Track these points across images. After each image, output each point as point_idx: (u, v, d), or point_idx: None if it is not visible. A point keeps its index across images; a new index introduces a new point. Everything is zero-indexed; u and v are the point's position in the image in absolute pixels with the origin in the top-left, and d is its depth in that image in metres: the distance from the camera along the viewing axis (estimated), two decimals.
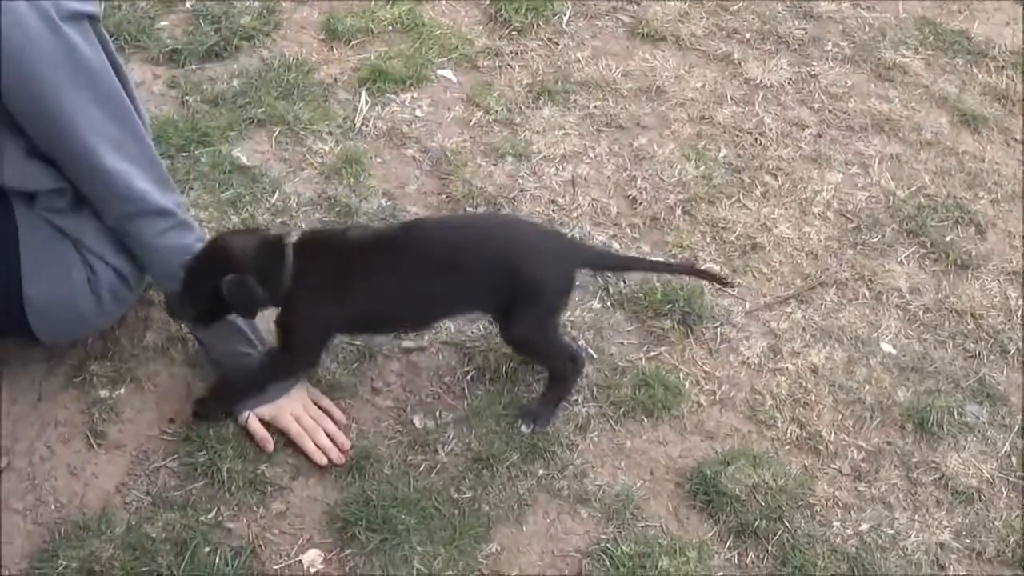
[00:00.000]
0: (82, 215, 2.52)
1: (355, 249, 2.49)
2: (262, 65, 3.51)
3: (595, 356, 2.79)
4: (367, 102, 3.41)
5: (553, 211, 3.13)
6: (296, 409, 2.58)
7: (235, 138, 3.26)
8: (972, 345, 2.98)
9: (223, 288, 2.36)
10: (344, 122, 3.35)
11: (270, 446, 2.54)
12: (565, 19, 3.80)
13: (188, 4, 3.71)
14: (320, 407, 2.61)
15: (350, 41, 3.64)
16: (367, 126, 3.34)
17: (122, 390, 2.67)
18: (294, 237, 2.45)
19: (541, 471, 2.57)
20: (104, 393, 2.67)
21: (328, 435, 2.55)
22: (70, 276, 2.54)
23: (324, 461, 2.53)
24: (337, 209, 3.06)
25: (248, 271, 2.38)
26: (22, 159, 2.40)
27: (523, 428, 2.63)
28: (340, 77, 3.51)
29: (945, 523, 2.62)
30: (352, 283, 2.45)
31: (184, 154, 3.17)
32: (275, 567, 2.38)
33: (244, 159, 3.21)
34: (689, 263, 3.00)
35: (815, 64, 3.79)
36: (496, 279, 2.50)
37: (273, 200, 3.08)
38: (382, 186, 3.15)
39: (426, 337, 2.78)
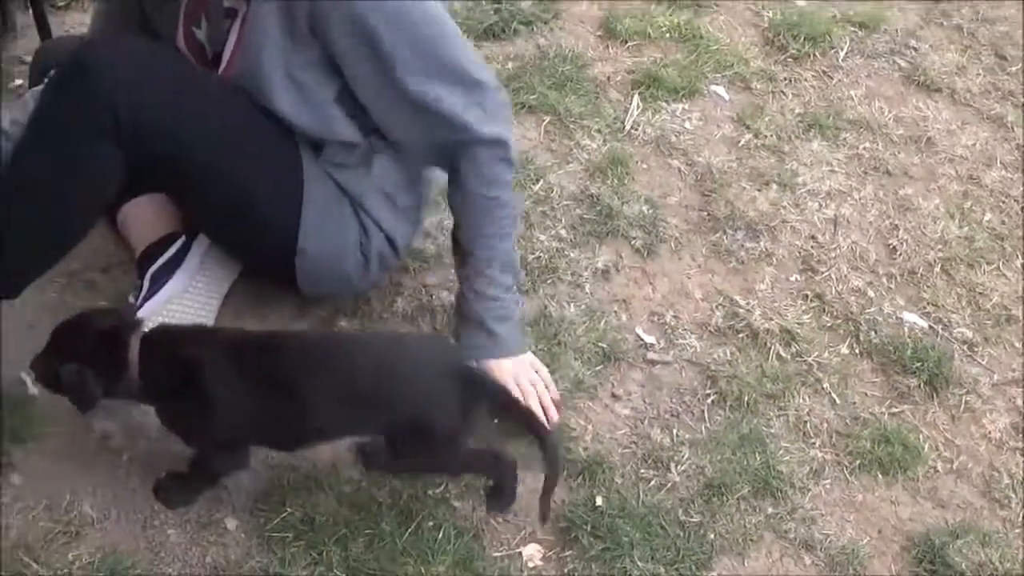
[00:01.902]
0: (369, 174, 2.55)
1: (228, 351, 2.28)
2: (538, 52, 3.51)
3: (837, 401, 2.70)
4: (639, 106, 3.37)
5: (812, 247, 3.04)
6: (517, 370, 2.52)
7: None
8: None
9: (60, 375, 2.23)
10: (613, 122, 3.32)
11: None
12: (842, 54, 3.70)
13: None
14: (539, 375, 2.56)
15: (627, 42, 3.61)
16: (636, 130, 3.30)
17: None
18: (145, 329, 2.29)
19: (770, 509, 2.49)
20: None
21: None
22: (345, 235, 2.57)
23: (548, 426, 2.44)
24: (598, 208, 3.04)
25: (88, 362, 2.23)
26: (329, 103, 2.44)
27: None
28: (614, 76, 3.48)
29: None
30: (219, 389, 2.23)
31: None
32: (495, 554, 2.35)
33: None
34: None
35: None
36: (380, 408, 2.26)
37: (536, 189, 3.07)
38: (645, 192, 3.11)
39: (671, 352, 2.73)
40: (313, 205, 2.53)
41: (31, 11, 3.59)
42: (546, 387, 2.53)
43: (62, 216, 2.44)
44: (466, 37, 3.37)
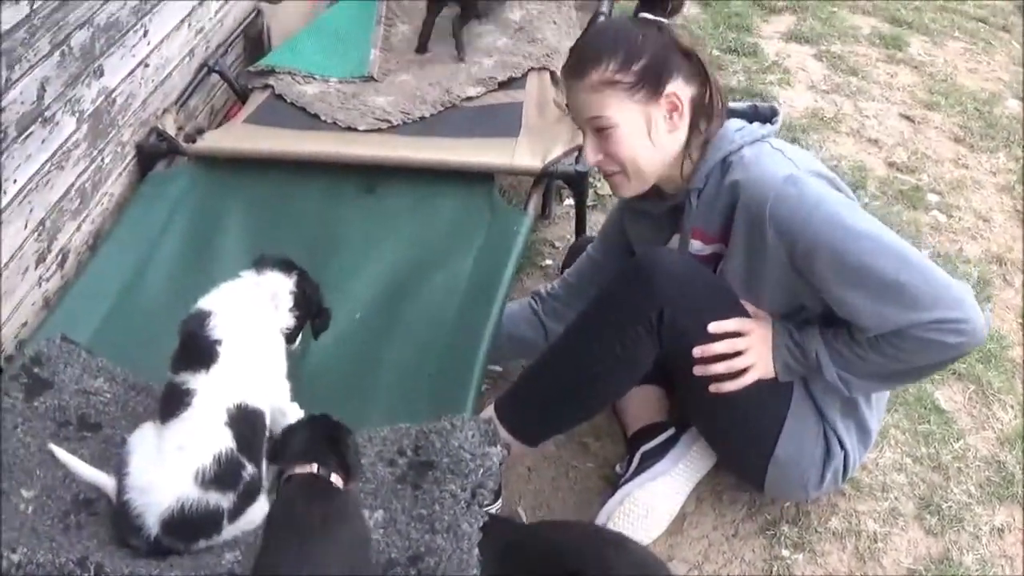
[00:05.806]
0: (846, 406, 2.87)
1: None
2: None
3: None
4: None
5: None
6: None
7: (938, 381, 3.70)
8: None
9: None
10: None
11: None
12: None
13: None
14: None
15: None
16: None
17: (800, 556, 3.05)
18: None
19: None
20: (785, 552, 3.06)
21: None
22: (814, 451, 2.89)
23: None
24: (1003, 474, 3.36)
25: None
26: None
27: None
28: None
29: None
30: None
31: None
32: None
33: (942, 402, 3.63)
34: None
35: None
36: None
37: (956, 446, 3.46)
38: None
39: None
40: (794, 420, 2.82)
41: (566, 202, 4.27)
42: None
43: (599, 388, 2.84)
44: None
